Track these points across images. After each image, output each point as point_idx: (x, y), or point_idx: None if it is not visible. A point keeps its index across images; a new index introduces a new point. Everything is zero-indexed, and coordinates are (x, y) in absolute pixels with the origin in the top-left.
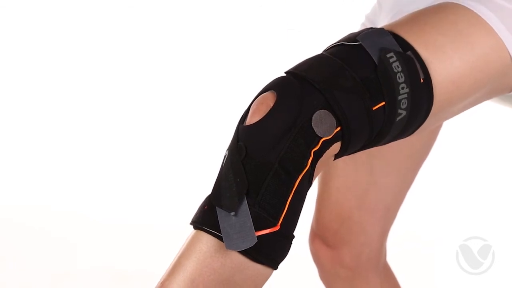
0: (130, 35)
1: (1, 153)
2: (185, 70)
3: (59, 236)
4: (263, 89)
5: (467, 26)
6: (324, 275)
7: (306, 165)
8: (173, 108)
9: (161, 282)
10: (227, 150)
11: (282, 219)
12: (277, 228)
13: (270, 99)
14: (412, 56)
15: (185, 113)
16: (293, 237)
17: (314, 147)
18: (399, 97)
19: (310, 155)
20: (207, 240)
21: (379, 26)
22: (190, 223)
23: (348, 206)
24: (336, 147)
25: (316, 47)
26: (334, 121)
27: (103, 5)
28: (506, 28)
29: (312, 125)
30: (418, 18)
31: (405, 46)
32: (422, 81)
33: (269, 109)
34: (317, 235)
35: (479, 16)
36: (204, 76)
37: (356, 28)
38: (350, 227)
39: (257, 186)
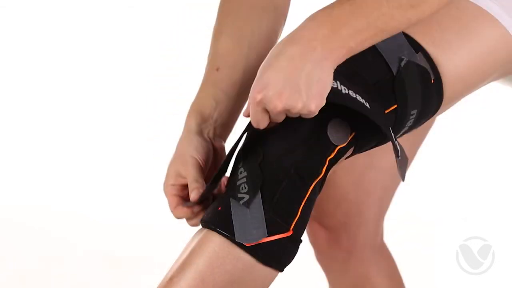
0: (130, 35)
1: (1, 153)
2: (186, 70)
3: (59, 236)
4: None
5: (471, 19)
6: (320, 256)
7: (321, 173)
8: (173, 108)
9: (170, 278)
10: (241, 151)
11: (294, 225)
12: (289, 233)
13: None
14: (424, 58)
15: (185, 113)
16: (301, 241)
17: (330, 155)
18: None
19: (325, 163)
20: (220, 242)
21: None
22: (201, 222)
23: (345, 187)
24: (350, 150)
25: None
26: (349, 129)
27: (103, 5)
28: (510, 17)
29: (328, 134)
30: None
31: (415, 45)
32: (432, 81)
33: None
34: (314, 217)
35: (482, 8)
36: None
37: None
38: (347, 209)
39: (272, 191)
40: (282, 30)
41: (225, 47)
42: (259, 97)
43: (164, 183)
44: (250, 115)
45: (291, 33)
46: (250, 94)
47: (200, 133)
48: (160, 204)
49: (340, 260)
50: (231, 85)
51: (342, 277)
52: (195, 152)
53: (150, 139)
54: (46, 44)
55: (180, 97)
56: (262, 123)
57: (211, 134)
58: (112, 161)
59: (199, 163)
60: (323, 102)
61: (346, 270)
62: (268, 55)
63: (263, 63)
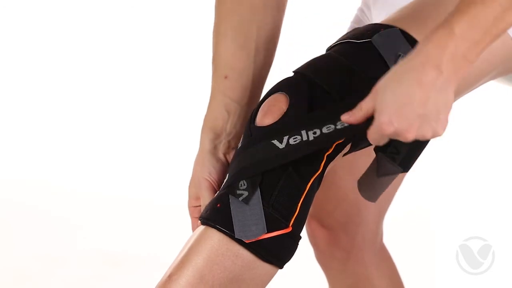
0: (131, 35)
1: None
2: (188, 69)
3: (59, 235)
4: (273, 89)
5: None
6: (319, 256)
7: (319, 168)
8: (173, 108)
9: (169, 276)
10: (240, 148)
11: (293, 221)
12: (289, 230)
13: (282, 102)
14: None
15: (187, 113)
16: (300, 237)
17: (327, 151)
18: None
19: (323, 159)
20: (219, 238)
21: (374, 10)
22: (200, 219)
23: (344, 187)
24: (347, 147)
25: (320, 45)
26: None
27: (104, 5)
28: None
29: None
30: (419, 11)
31: (412, 42)
32: None
33: (282, 112)
34: (313, 216)
35: None
36: (205, 74)
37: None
38: (346, 209)
39: (270, 187)
40: (282, 24)
41: (231, 52)
42: (390, 130)
43: (188, 205)
44: (373, 138)
45: (413, 57)
46: (377, 123)
47: (213, 151)
48: (160, 204)
49: (339, 260)
50: (241, 93)
51: (341, 276)
52: (208, 174)
53: (151, 139)
54: (46, 44)
55: (180, 97)
56: (383, 142)
57: (225, 150)
58: (113, 160)
59: (212, 185)
60: (448, 122)
61: (345, 269)
62: (389, 76)
63: (382, 85)
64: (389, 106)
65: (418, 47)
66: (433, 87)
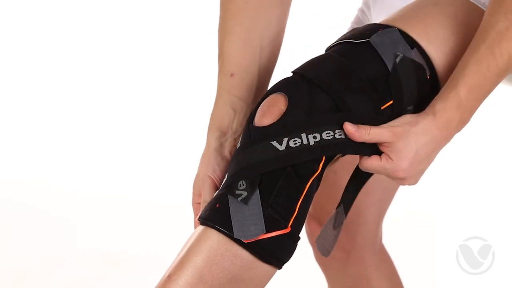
0: (131, 35)
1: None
2: (190, 69)
3: (59, 235)
4: (272, 89)
5: (466, 16)
6: (319, 256)
7: (318, 169)
8: (174, 106)
9: (168, 276)
10: (239, 148)
11: (292, 221)
12: (288, 230)
13: (281, 102)
14: (419, 54)
15: (187, 113)
16: (299, 238)
17: None
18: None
19: (322, 159)
20: (218, 238)
21: (374, 11)
22: (199, 219)
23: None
24: None
25: (320, 45)
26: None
27: (104, 5)
28: None
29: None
30: (418, 11)
31: (411, 41)
32: (428, 77)
33: (281, 112)
34: (313, 216)
35: (478, 6)
36: (206, 74)
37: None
38: None
39: (269, 188)
40: (286, 22)
41: (237, 49)
42: (402, 175)
43: (191, 201)
44: (370, 167)
45: (432, 120)
46: (394, 165)
47: (219, 148)
48: (160, 204)
49: (339, 260)
50: (247, 91)
51: (340, 277)
52: (212, 171)
53: (151, 139)
54: (47, 44)
55: (181, 96)
56: (369, 171)
57: (231, 148)
58: (113, 160)
59: (214, 182)
60: None
61: (344, 270)
62: (412, 128)
63: (406, 133)
64: (411, 155)
65: (437, 115)
66: (438, 148)
